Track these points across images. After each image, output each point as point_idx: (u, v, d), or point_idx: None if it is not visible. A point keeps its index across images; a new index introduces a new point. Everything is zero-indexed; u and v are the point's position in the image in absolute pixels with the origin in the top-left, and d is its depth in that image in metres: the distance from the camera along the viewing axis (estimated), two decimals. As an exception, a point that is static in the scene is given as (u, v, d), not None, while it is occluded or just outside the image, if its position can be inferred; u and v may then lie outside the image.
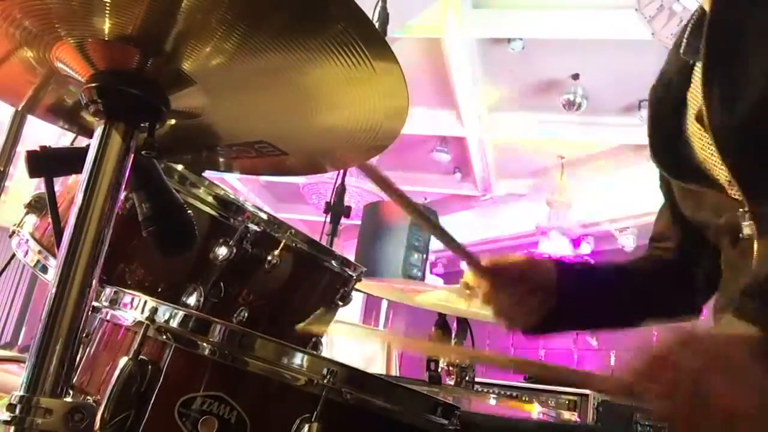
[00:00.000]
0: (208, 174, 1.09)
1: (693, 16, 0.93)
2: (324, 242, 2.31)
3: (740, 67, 0.79)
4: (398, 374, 3.43)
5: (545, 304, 1.00)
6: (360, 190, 5.58)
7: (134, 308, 0.79)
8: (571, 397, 2.70)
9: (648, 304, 1.03)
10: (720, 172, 0.83)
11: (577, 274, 1.05)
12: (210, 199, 1.08)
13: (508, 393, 2.70)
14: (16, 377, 1.18)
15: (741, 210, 0.82)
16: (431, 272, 8.34)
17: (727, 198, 0.84)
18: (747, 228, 0.82)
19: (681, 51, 0.92)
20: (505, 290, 1.01)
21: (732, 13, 0.82)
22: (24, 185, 1.27)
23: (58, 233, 0.75)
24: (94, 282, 0.66)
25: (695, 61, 0.89)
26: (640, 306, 1.03)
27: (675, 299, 1.04)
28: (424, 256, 4.49)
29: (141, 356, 0.73)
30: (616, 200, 6.68)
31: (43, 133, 1.20)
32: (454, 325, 1.86)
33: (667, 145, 0.94)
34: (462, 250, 0.99)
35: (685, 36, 0.92)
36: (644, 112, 5.59)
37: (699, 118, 0.84)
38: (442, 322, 1.86)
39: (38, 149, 0.79)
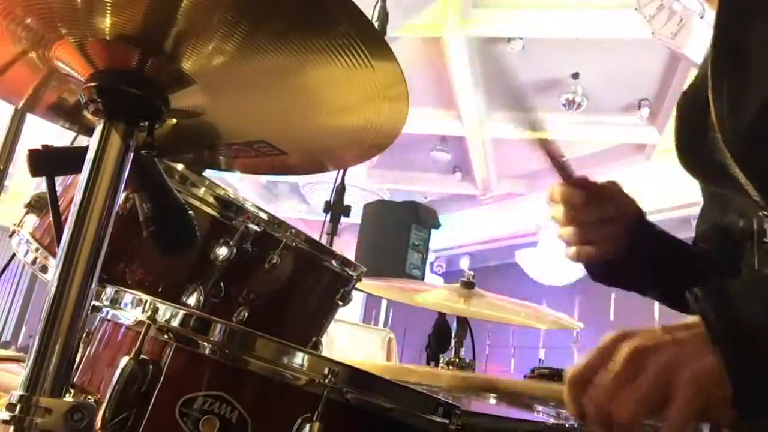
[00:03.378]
0: (208, 173, 1.09)
1: None
2: (324, 242, 2.31)
3: (747, 69, 0.79)
4: (398, 374, 3.43)
5: (622, 238, 0.97)
6: (360, 190, 5.60)
7: (135, 308, 0.79)
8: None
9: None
10: (740, 176, 0.83)
11: (655, 232, 1.03)
12: (210, 199, 1.08)
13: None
14: (16, 376, 1.18)
15: (762, 213, 0.81)
16: (431, 272, 8.35)
17: (751, 201, 0.83)
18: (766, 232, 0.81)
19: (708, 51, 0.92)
20: (591, 207, 0.98)
21: (738, 14, 0.82)
22: (24, 185, 1.27)
23: (59, 233, 0.75)
24: (93, 281, 0.66)
25: None
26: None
27: None
28: (424, 256, 4.49)
29: (142, 356, 0.72)
30: (616, 200, 6.67)
31: (42, 133, 1.20)
32: (454, 325, 1.86)
33: (693, 147, 0.93)
34: (558, 158, 0.96)
35: None
36: (644, 112, 5.63)
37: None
38: (442, 322, 1.86)
39: (40, 148, 0.79)
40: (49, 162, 0.80)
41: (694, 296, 0.63)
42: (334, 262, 1.25)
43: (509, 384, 0.94)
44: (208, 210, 1.08)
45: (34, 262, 1.12)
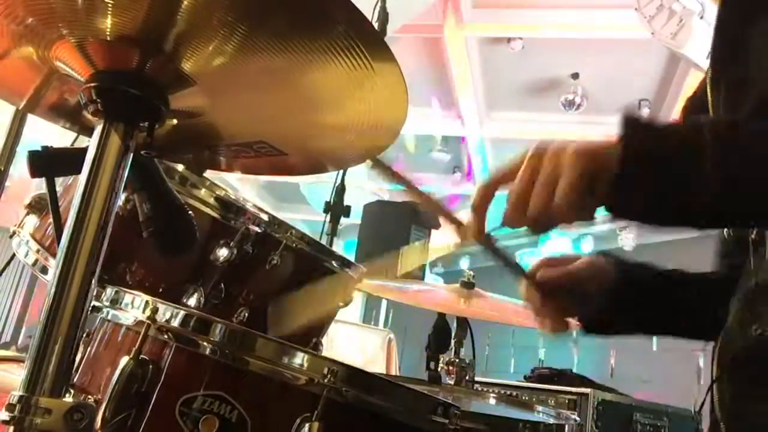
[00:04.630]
0: (208, 174, 1.10)
1: None
2: (324, 242, 2.31)
3: (744, 71, 0.79)
4: (398, 374, 3.43)
5: (603, 305, 0.94)
6: (360, 190, 5.59)
7: (135, 308, 0.79)
8: (571, 397, 2.71)
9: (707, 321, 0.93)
10: None
11: (636, 274, 0.97)
12: (211, 200, 1.09)
13: (509, 393, 2.70)
14: (16, 377, 1.18)
15: None
16: (431, 272, 8.34)
17: None
18: (753, 231, 0.81)
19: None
20: (560, 298, 0.92)
21: (739, 12, 0.82)
22: (25, 185, 1.27)
23: (59, 233, 0.75)
24: (93, 282, 0.66)
25: None
26: (701, 321, 0.95)
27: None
28: (424, 255, 4.49)
29: (142, 356, 0.73)
30: (616, 200, 6.68)
31: (42, 133, 1.20)
32: (454, 325, 1.86)
33: None
34: (511, 261, 0.91)
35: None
36: (644, 112, 5.63)
37: None
38: (441, 322, 1.86)
39: (40, 149, 0.79)
40: (49, 163, 0.80)
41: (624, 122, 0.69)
42: (334, 262, 1.25)
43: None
44: (209, 211, 1.09)
45: (34, 262, 1.12)
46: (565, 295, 0.91)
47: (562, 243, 6.72)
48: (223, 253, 1.07)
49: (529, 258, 6.95)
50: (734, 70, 0.80)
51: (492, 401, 1.71)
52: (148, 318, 0.74)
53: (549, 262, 0.94)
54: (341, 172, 2.58)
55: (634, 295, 0.94)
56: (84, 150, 0.70)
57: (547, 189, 0.67)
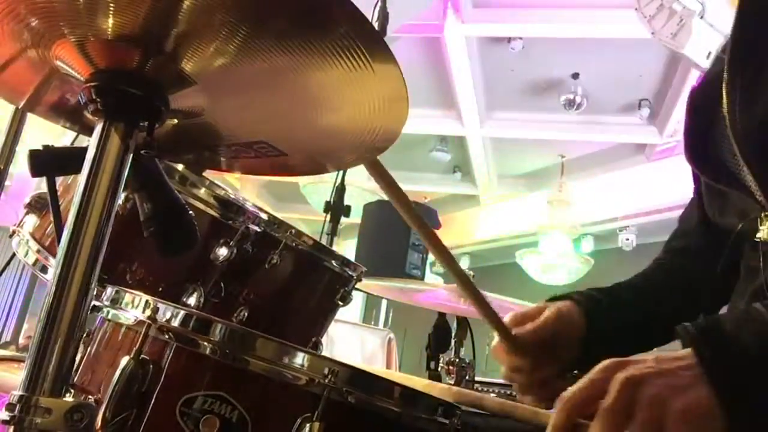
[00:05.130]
0: (208, 174, 1.10)
1: None
2: (324, 242, 2.31)
3: (763, 66, 0.79)
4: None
5: (581, 353, 0.94)
6: (360, 190, 5.59)
7: (135, 307, 0.79)
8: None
9: (670, 321, 0.97)
10: (746, 174, 0.82)
11: (605, 316, 0.98)
12: (211, 199, 1.09)
13: (509, 392, 2.70)
14: (16, 377, 1.18)
15: (764, 214, 0.81)
16: (431, 272, 8.34)
17: (753, 202, 0.83)
18: (763, 231, 0.81)
19: (721, 50, 0.91)
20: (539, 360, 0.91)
21: (758, 11, 0.82)
22: (25, 185, 1.27)
23: (60, 233, 0.75)
24: (93, 281, 0.66)
25: None
26: (664, 324, 0.94)
27: (689, 308, 0.98)
28: (424, 256, 4.49)
29: (142, 355, 0.73)
30: (616, 200, 6.69)
31: (42, 134, 1.20)
32: (454, 325, 1.86)
33: (700, 143, 0.93)
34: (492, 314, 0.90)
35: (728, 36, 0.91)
36: (644, 112, 5.63)
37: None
38: (442, 322, 1.87)
39: (41, 148, 0.79)
40: (49, 162, 0.80)
41: (686, 332, 0.63)
42: (334, 262, 1.25)
43: (497, 403, 0.94)
44: (209, 210, 1.09)
45: (34, 262, 1.13)
46: (538, 353, 0.90)
47: (562, 243, 6.71)
48: (222, 252, 1.07)
49: (528, 258, 6.95)
50: (752, 71, 0.80)
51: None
52: (149, 318, 0.74)
53: (516, 318, 0.93)
54: (341, 172, 2.58)
55: (605, 343, 0.94)
56: (83, 149, 0.70)
57: None
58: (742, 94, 0.79)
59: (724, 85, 0.81)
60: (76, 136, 1.06)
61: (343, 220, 2.59)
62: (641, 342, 1.01)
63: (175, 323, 0.74)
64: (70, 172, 0.88)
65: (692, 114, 0.95)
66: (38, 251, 1.13)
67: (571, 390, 0.62)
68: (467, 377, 1.82)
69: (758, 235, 0.82)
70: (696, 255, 1.04)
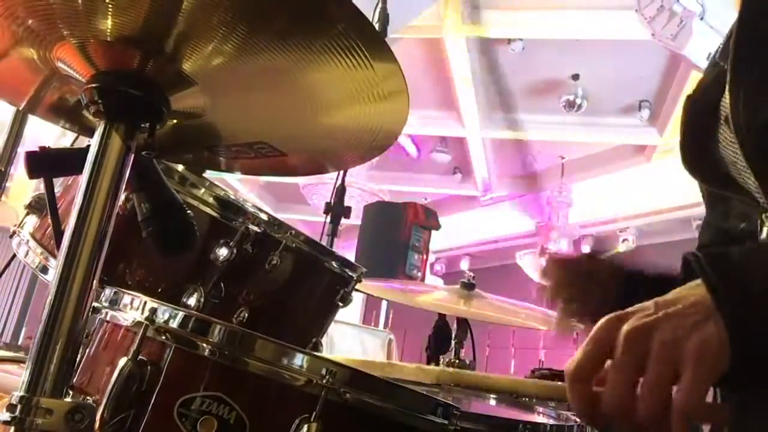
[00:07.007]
0: (208, 174, 1.10)
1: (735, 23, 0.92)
2: (324, 243, 2.31)
3: (766, 73, 0.79)
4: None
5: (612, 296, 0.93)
6: (360, 191, 5.59)
7: (134, 309, 0.79)
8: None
9: None
10: (748, 177, 0.82)
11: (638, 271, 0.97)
12: (210, 200, 1.09)
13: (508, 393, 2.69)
14: (16, 377, 1.18)
15: (765, 216, 0.81)
16: (431, 272, 8.34)
17: (754, 204, 0.82)
18: (764, 232, 0.81)
19: (716, 55, 0.91)
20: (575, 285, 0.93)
21: (762, 12, 0.82)
22: (25, 185, 1.27)
23: (58, 234, 0.75)
24: (94, 282, 0.66)
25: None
26: None
27: None
28: (424, 256, 4.49)
29: (141, 356, 0.72)
30: (616, 200, 6.69)
31: (42, 134, 1.20)
32: (454, 326, 1.86)
33: (698, 150, 0.93)
34: None
35: (723, 41, 0.91)
36: (644, 113, 5.63)
37: (728, 121, 0.83)
38: (442, 323, 1.86)
39: (37, 150, 0.79)
40: (46, 163, 0.80)
41: (697, 261, 0.61)
42: (334, 263, 1.25)
43: (497, 381, 0.94)
44: (208, 211, 1.08)
45: (35, 263, 1.12)
46: (571, 295, 0.91)
47: (562, 243, 6.71)
48: (222, 252, 1.07)
49: (528, 259, 6.95)
50: (756, 73, 0.80)
51: (492, 402, 1.71)
52: (147, 319, 0.74)
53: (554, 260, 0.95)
54: (341, 173, 2.58)
55: (635, 283, 0.95)
56: (81, 150, 0.70)
57: (663, 391, 0.56)
58: (747, 94, 0.79)
59: (727, 86, 0.80)
60: (77, 137, 1.06)
61: (344, 221, 2.59)
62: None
63: (174, 324, 0.74)
64: (66, 173, 0.88)
65: (688, 120, 0.95)
66: (39, 252, 1.13)
67: (575, 358, 0.60)
68: (467, 378, 1.82)
69: (761, 237, 0.82)
70: None
